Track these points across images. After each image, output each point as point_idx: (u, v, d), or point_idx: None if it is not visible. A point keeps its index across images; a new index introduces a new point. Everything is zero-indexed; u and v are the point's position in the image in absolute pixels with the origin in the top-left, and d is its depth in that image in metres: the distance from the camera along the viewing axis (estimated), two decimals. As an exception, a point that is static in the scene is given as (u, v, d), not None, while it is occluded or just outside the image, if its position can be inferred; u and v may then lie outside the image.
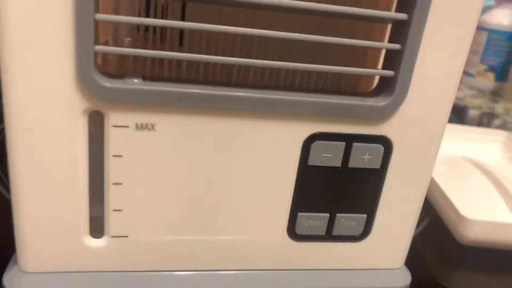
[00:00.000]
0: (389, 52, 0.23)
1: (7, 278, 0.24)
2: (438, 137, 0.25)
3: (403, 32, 0.22)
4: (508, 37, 0.71)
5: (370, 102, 0.23)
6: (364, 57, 0.25)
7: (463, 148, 0.50)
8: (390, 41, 0.23)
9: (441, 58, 0.23)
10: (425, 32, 0.22)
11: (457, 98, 0.67)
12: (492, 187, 0.41)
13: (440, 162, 0.45)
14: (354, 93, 0.25)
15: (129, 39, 0.23)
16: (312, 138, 0.24)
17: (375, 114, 0.23)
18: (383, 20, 0.23)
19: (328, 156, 0.24)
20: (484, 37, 0.72)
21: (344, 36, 0.24)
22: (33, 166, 0.22)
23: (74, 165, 0.22)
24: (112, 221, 0.24)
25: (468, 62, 0.75)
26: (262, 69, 0.24)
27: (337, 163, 0.24)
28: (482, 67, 0.74)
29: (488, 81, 0.74)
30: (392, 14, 0.22)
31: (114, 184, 0.23)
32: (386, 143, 0.24)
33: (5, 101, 0.21)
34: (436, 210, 0.38)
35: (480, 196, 0.40)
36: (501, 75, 0.74)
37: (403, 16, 0.22)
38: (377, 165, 0.25)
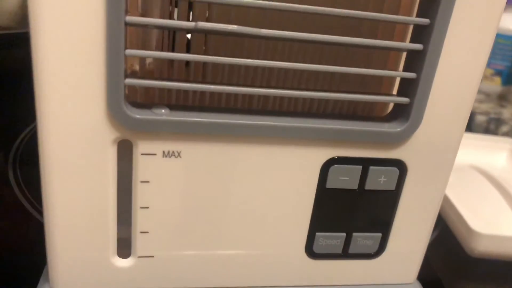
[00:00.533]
0: (404, 79, 0.24)
1: (38, 296, 0.25)
2: (451, 159, 0.26)
3: (419, 61, 0.23)
4: (515, 42, 0.71)
5: (386, 128, 0.24)
6: (380, 81, 0.26)
7: (470, 156, 0.50)
8: (405, 69, 0.24)
9: (455, 84, 0.24)
10: (441, 60, 0.23)
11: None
12: (500, 196, 0.42)
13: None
14: (370, 117, 0.26)
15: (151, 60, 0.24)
16: (330, 162, 0.25)
17: (390, 139, 0.24)
18: (399, 50, 0.24)
19: (345, 179, 0.25)
20: (491, 41, 0.72)
21: (360, 63, 0.25)
22: (66, 190, 0.23)
23: (104, 189, 0.23)
24: (139, 242, 0.25)
25: (475, 66, 0.75)
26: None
27: (354, 185, 0.25)
28: (489, 71, 0.74)
29: (495, 85, 0.75)
30: (408, 45, 0.23)
31: (142, 208, 0.24)
32: (401, 166, 0.25)
33: (39, 129, 0.22)
34: (446, 222, 0.39)
35: (488, 207, 0.41)
36: (508, 79, 0.74)
37: (418, 46, 0.23)
38: (392, 187, 0.26)
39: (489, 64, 0.74)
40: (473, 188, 0.44)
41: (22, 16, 0.76)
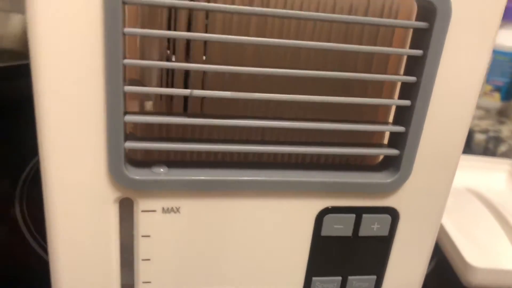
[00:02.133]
0: (393, 132, 0.25)
1: None
2: (442, 203, 0.27)
3: (407, 116, 0.24)
4: (513, 58, 0.72)
5: (377, 179, 0.25)
6: (371, 133, 0.27)
7: (468, 179, 0.51)
8: (394, 122, 0.25)
9: (444, 135, 0.25)
10: (429, 114, 0.24)
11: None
12: (496, 223, 0.43)
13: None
14: (361, 165, 0.26)
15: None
16: (324, 212, 0.25)
17: (382, 189, 0.25)
18: (387, 105, 0.25)
19: (339, 227, 0.26)
20: (489, 58, 0.73)
21: (351, 116, 0.26)
22: (70, 243, 0.24)
23: (107, 243, 0.24)
24: (142, 292, 0.26)
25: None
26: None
27: (348, 233, 0.26)
28: (488, 87, 0.75)
29: (494, 101, 0.75)
30: (397, 101, 0.24)
31: (143, 260, 0.25)
32: (393, 213, 0.26)
33: (44, 185, 0.23)
34: (444, 252, 0.40)
35: (484, 235, 0.41)
36: (507, 95, 0.75)
37: (406, 102, 0.24)
38: (385, 232, 0.26)
39: (488, 80, 0.75)
40: (470, 214, 0.45)
41: (27, 39, 0.77)
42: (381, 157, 0.27)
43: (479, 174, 0.52)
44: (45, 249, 0.38)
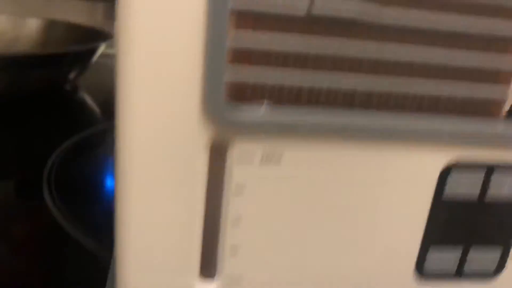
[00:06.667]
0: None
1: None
2: None
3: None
4: None
5: (517, 127, 0.21)
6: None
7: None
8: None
9: None
10: None
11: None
12: None
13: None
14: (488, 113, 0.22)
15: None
16: (448, 169, 0.21)
17: (521, 140, 0.21)
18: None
19: (465, 188, 0.21)
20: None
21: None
22: (146, 203, 0.20)
23: (191, 199, 0.20)
24: (227, 260, 0.21)
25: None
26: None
27: (475, 195, 0.22)
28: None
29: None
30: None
31: (233, 221, 0.21)
32: (530, 172, 0.22)
33: (118, 131, 0.19)
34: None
35: None
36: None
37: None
38: (519, 196, 0.22)
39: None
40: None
41: (42, 42, 0.78)
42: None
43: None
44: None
